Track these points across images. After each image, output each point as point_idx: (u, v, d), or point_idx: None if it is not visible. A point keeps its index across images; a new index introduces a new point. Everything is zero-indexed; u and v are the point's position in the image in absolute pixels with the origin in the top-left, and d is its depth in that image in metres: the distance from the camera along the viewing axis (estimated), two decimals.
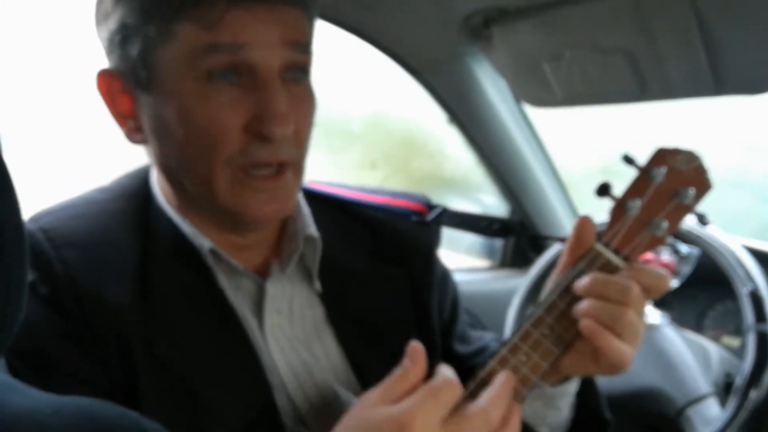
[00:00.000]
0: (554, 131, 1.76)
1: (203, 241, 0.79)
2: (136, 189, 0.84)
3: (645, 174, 0.76)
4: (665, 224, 0.75)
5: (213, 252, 0.79)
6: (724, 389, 1.26)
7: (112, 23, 0.73)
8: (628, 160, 0.78)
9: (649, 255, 1.37)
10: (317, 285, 0.85)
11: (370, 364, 0.85)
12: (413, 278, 0.92)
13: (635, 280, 0.71)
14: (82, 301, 0.72)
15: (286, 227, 0.86)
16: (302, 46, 0.76)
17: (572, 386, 0.81)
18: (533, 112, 1.63)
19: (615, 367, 0.73)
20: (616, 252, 0.74)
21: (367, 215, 0.94)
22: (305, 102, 0.78)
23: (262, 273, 0.84)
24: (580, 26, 1.19)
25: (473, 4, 1.26)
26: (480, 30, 1.30)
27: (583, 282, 0.72)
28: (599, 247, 0.75)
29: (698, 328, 1.52)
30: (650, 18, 1.09)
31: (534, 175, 1.69)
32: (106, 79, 0.77)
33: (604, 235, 0.76)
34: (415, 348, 0.67)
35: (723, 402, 1.24)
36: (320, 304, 0.86)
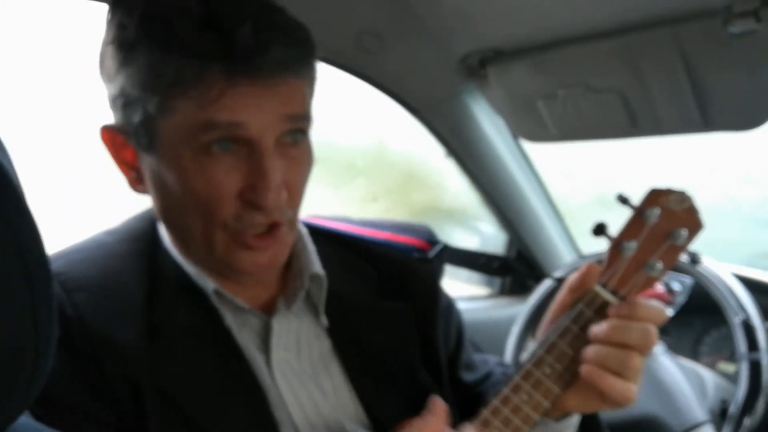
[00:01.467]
0: (552, 164, 1.80)
1: (207, 283, 0.80)
2: (143, 231, 0.85)
3: (639, 215, 0.79)
4: (660, 265, 0.76)
5: (217, 292, 0.80)
6: (720, 416, 1.28)
7: (114, 88, 0.75)
8: (623, 200, 0.80)
9: (652, 289, 1.41)
10: (324, 320, 0.86)
11: (377, 398, 0.85)
12: (418, 312, 0.93)
13: (635, 316, 0.74)
14: (93, 343, 0.73)
15: (291, 264, 0.87)
16: (301, 116, 0.77)
17: (575, 419, 0.83)
18: (530, 145, 1.67)
19: (620, 404, 0.75)
20: (614, 293, 0.76)
21: (371, 251, 0.95)
22: (301, 163, 0.79)
23: (268, 309, 0.85)
24: (573, 67, 1.23)
25: (469, 45, 1.31)
26: (476, 70, 1.35)
27: (599, 328, 0.74)
28: (597, 288, 0.77)
29: (694, 354, 1.54)
30: (640, 60, 1.14)
31: (531, 206, 1.72)
32: (109, 133, 0.79)
33: (601, 275, 0.78)
34: (435, 402, 0.72)
35: (719, 429, 1.26)
36: (327, 338, 0.87)
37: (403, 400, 0.86)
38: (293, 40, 0.74)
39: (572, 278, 0.81)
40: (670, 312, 1.41)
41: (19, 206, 0.42)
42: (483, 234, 1.97)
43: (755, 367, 1.22)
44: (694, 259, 0.79)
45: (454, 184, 1.80)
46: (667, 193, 0.79)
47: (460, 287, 1.99)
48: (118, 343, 0.73)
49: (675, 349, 1.49)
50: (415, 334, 0.92)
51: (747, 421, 1.19)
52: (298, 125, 0.76)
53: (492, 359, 1.07)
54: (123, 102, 0.74)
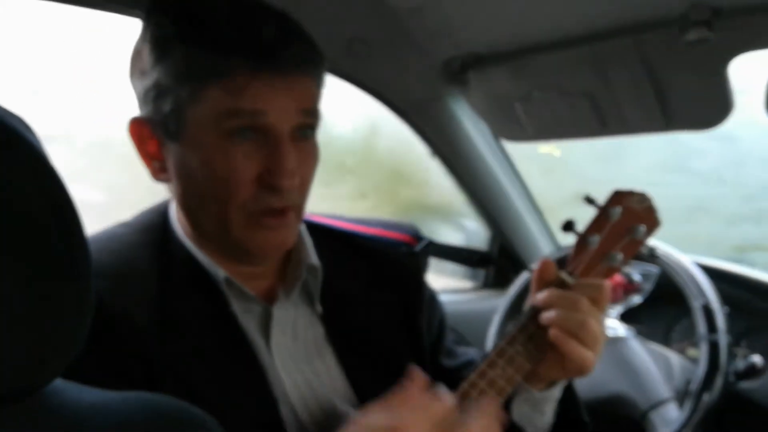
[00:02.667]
0: (534, 163, 1.88)
1: (218, 271, 0.85)
2: (155, 223, 0.90)
3: (603, 213, 0.87)
4: (620, 256, 0.85)
5: (227, 280, 0.85)
6: (684, 394, 1.38)
7: (148, 81, 0.80)
8: (589, 200, 0.88)
9: (617, 277, 1.50)
10: (318, 308, 0.92)
11: (366, 379, 0.91)
12: (404, 303, 0.98)
13: (581, 293, 0.82)
14: (112, 327, 0.76)
15: (290, 257, 0.92)
16: (312, 112, 0.84)
17: (556, 392, 0.90)
18: (512, 146, 1.75)
19: (579, 371, 0.83)
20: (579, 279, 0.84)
21: (362, 246, 1.00)
22: (310, 156, 0.85)
23: (269, 298, 0.90)
24: (547, 72, 1.32)
25: (451, 51, 1.39)
26: (458, 74, 1.44)
27: (540, 296, 0.83)
28: (564, 275, 0.85)
29: (666, 340, 1.62)
30: (606, 65, 1.23)
31: (512, 203, 1.81)
32: (137, 125, 0.84)
33: (568, 264, 0.86)
34: (414, 369, 0.78)
35: (681, 405, 1.36)
36: (321, 324, 0.92)
37: (388, 382, 0.89)
38: (309, 43, 0.82)
39: (534, 275, 0.88)
40: (638, 299, 1.51)
41: (60, 184, 0.49)
42: (467, 229, 2.04)
43: (714, 348, 1.31)
44: (652, 253, 0.88)
45: (438, 182, 1.87)
46: (629, 194, 0.87)
47: (446, 281, 2.06)
48: (134, 327, 0.78)
49: (647, 335, 1.57)
50: (401, 323, 0.98)
51: (706, 397, 1.28)
52: (309, 120, 0.83)
53: (473, 350, 1.13)
54: (155, 93, 0.80)
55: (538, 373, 0.86)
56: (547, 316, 0.82)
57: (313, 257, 0.92)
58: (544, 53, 1.28)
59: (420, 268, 1.05)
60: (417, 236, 1.06)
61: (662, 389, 1.38)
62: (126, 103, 0.89)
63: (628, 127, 1.34)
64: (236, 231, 0.83)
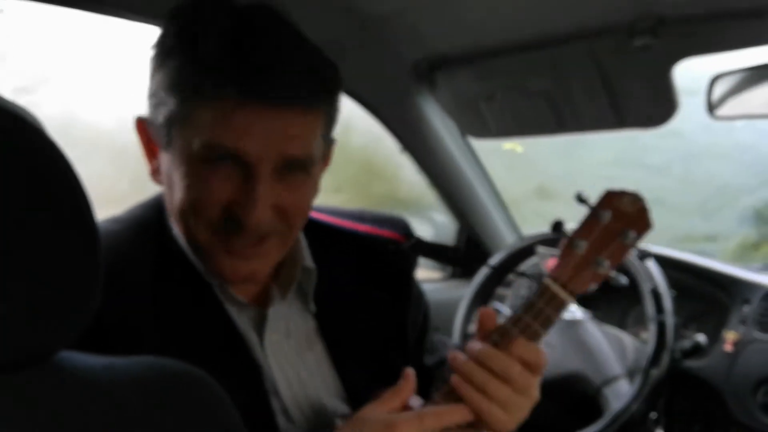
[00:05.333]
0: (498, 159, 1.97)
1: (211, 278, 0.84)
2: (150, 219, 0.88)
3: (593, 215, 0.83)
4: (607, 263, 0.82)
5: (220, 287, 0.85)
6: (636, 372, 1.48)
7: (151, 86, 0.80)
8: (581, 200, 0.85)
9: None
10: (312, 306, 0.91)
11: (355, 373, 0.92)
12: (393, 301, 0.98)
13: (517, 355, 0.78)
14: (108, 324, 0.73)
15: (286, 257, 0.89)
16: (298, 161, 0.78)
17: None
18: (478, 142, 1.84)
19: (491, 425, 0.79)
20: (564, 286, 0.81)
21: (354, 243, 1.00)
22: (299, 191, 0.80)
23: (264, 298, 0.89)
24: (508, 73, 1.41)
25: (419, 52, 1.48)
26: (426, 74, 1.53)
27: (476, 346, 0.80)
28: (548, 281, 0.82)
29: (621, 325, 1.71)
30: (563, 68, 1.33)
31: (478, 196, 1.89)
32: (141, 125, 0.84)
33: (553, 270, 0.83)
34: (408, 372, 0.80)
35: (631, 381, 1.46)
36: (313, 320, 0.92)
37: (375, 377, 0.90)
38: (311, 72, 0.76)
39: (477, 323, 0.85)
40: (593, 285, 1.61)
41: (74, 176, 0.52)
42: (436, 222, 2.12)
43: (661, 327, 1.41)
44: (642, 255, 0.90)
45: (409, 177, 1.93)
46: (621, 194, 0.83)
47: (417, 271, 2.13)
48: (130, 325, 0.78)
49: (604, 319, 1.67)
50: (390, 320, 0.98)
51: (654, 372, 1.38)
52: (298, 158, 0.78)
53: (449, 342, 1.17)
54: (154, 101, 0.79)
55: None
56: (460, 365, 0.80)
57: (308, 259, 0.91)
58: (506, 56, 1.38)
59: (409, 267, 1.05)
60: (407, 234, 1.07)
61: (615, 366, 1.48)
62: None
63: (583, 125, 1.44)
64: (206, 251, 0.81)
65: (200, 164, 0.76)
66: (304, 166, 0.79)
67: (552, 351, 1.54)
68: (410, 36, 1.40)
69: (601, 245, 0.82)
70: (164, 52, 0.77)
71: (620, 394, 1.43)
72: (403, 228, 1.08)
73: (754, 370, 1.39)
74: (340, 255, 0.97)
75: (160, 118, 0.78)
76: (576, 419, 1.46)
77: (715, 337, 1.48)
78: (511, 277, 1.77)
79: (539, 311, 0.81)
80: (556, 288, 0.82)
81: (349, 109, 1.67)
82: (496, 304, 1.73)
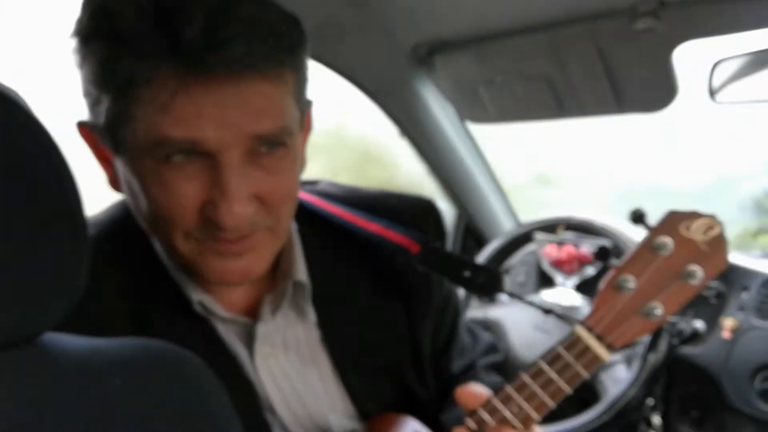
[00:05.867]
0: (498, 146, 1.96)
1: (192, 294, 0.77)
2: (129, 222, 0.77)
3: (649, 243, 0.67)
4: (660, 311, 0.66)
5: (201, 304, 0.77)
6: (633, 358, 1.48)
7: (82, 85, 0.69)
8: (637, 218, 0.69)
9: (570, 248, 1.60)
10: (312, 316, 0.84)
11: (365, 390, 0.85)
12: (410, 311, 0.89)
13: None
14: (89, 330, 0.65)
15: (278, 264, 0.82)
16: (273, 134, 0.67)
17: None
18: (478, 128, 1.83)
19: None
20: (600, 338, 0.68)
21: (364, 244, 0.88)
22: (280, 173, 0.70)
23: (254, 309, 0.82)
24: (508, 57, 1.40)
25: (419, 36, 1.46)
26: (425, 58, 1.51)
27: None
28: (580, 330, 0.68)
29: None
30: (563, 51, 1.32)
31: (476, 182, 1.88)
32: (86, 130, 0.73)
33: (588, 318, 0.69)
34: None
35: (629, 365, 1.46)
36: (316, 329, 0.84)
37: (389, 394, 0.86)
38: (263, 34, 0.63)
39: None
40: (592, 271, 1.61)
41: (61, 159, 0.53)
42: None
43: None
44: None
45: (407, 163, 1.93)
46: (690, 217, 0.66)
47: None
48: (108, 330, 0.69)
49: None
50: (406, 332, 0.89)
51: (651, 357, 1.38)
52: (267, 135, 0.67)
53: (483, 339, 1.07)
54: (89, 101, 0.68)
55: None
56: None
57: (300, 272, 0.82)
58: (506, 39, 1.36)
59: (428, 275, 0.90)
60: (421, 241, 0.88)
61: None
62: None
63: (583, 109, 1.43)
64: (190, 258, 0.71)
65: (158, 166, 0.66)
66: (281, 141, 0.68)
67: (551, 337, 1.54)
68: (409, 19, 1.38)
69: (656, 286, 0.66)
70: (83, 41, 0.65)
71: (617, 379, 1.43)
72: (420, 229, 0.89)
73: (752, 357, 1.39)
74: (350, 258, 0.88)
75: (101, 119, 0.67)
76: (572, 404, 1.46)
77: (713, 324, 1.48)
78: (509, 263, 1.77)
79: (565, 366, 0.68)
80: (590, 340, 0.67)
81: (347, 93, 1.66)
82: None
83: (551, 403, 0.70)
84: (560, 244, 1.62)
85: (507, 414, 0.70)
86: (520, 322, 1.61)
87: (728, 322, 1.44)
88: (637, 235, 1.57)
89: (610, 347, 0.68)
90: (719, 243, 0.65)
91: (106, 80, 0.64)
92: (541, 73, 1.38)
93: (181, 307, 0.78)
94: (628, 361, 1.45)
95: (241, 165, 0.66)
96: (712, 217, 0.65)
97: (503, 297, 1.71)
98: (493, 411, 0.71)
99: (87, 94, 0.68)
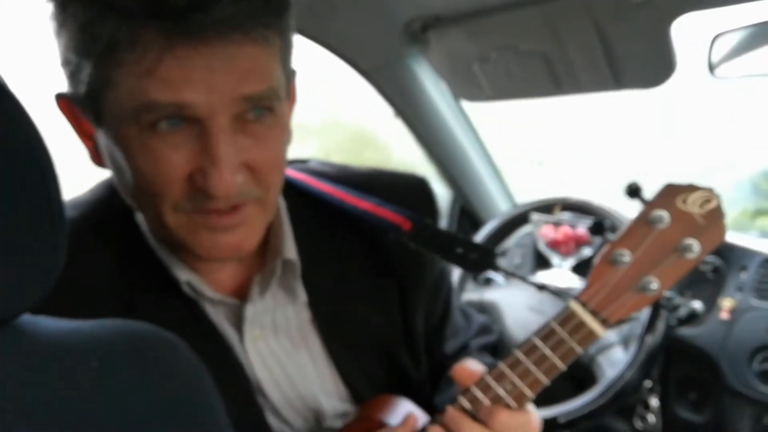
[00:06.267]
0: (494, 126, 1.94)
1: (179, 274, 0.76)
2: (113, 203, 0.77)
3: (645, 216, 0.67)
4: (656, 285, 0.66)
5: (189, 284, 0.76)
6: (630, 339, 1.46)
7: (60, 53, 0.67)
8: (633, 191, 0.69)
9: (566, 229, 1.58)
10: (302, 296, 0.82)
11: (357, 370, 0.84)
12: (403, 290, 0.88)
13: (489, 424, 0.69)
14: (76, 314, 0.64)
15: (267, 243, 0.81)
16: (260, 97, 0.66)
17: None
18: (473, 109, 1.80)
19: None
20: (594, 313, 0.68)
21: (357, 223, 0.86)
22: (268, 141, 0.69)
23: (243, 290, 0.80)
24: (503, 32, 1.37)
25: (411, 11, 1.43)
26: (419, 35, 1.48)
27: (449, 412, 0.71)
28: (575, 306, 0.68)
29: None
30: (559, 26, 1.29)
31: (471, 162, 1.85)
32: (65, 103, 0.71)
33: (582, 293, 0.68)
34: (409, 418, 0.76)
35: (626, 348, 1.44)
36: (306, 310, 0.83)
37: (381, 376, 0.86)
38: None
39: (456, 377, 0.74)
40: (588, 252, 1.59)
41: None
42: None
43: None
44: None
45: (402, 144, 1.91)
46: (687, 189, 0.65)
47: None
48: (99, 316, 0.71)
49: None
50: (398, 311, 0.88)
51: (649, 339, 1.36)
52: (256, 99, 0.66)
53: (477, 320, 1.06)
54: (68, 71, 0.67)
55: None
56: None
57: (289, 250, 0.81)
58: (500, 14, 1.33)
59: (421, 253, 0.88)
60: (414, 219, 0.86)
61: (609, 334, 1.46)
62: None
63: (580, 86, 1.40)
64: (179, 233, 0.70)
65: (143, 135, 0.65)
66: (269, 105, 0.67)
67: (545, 318, 1.52)
68: None
69: (652, 260, 0.65)
70: (62, 5, 0.64)
71: (615, 361, 1.41)
72: (412, 207, 0.87)
73: (750, 337, 1.37)
74: (342, 236, 0.87)
75: (81, 88, 0.66)
76: (570, 387, 1.45)
77: (711, 305, 1.46)
78: (505, 245, 1.75)
79: (560, 342, 0.68)
80: (584, 315, 0.67)
81: (340, 72, 1.63)
82: (490, 274, 1.71)
83: (545, 380, 0.70)
84: (557, 224, 1.60)
85: (500, 392, 0.69)
86: (516, 305, 1.59)
87: (726, 303, 1.42)
88: (634, 214, 1.55)
89: (605, 323, 0.67)
90: (717, 216, 0.64)
91: (87, 45, 0.63)
92: (536, 49, 1.35)
93: (169, 288, 0.77)
94: (625, 343, 1.43)
95: (229, 132, 0.65)
96: (709, 189, 0.64)
97: (499, 279, 1.69)
98: (486, 389, 0.70)
99: (66, 62, 0.66)
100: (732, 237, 1.54)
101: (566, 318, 0.68)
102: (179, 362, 0.59)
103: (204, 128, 0.64)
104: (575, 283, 1.59)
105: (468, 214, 2.00)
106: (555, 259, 1.62)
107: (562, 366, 0.69)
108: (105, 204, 0.79)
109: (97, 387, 0.53)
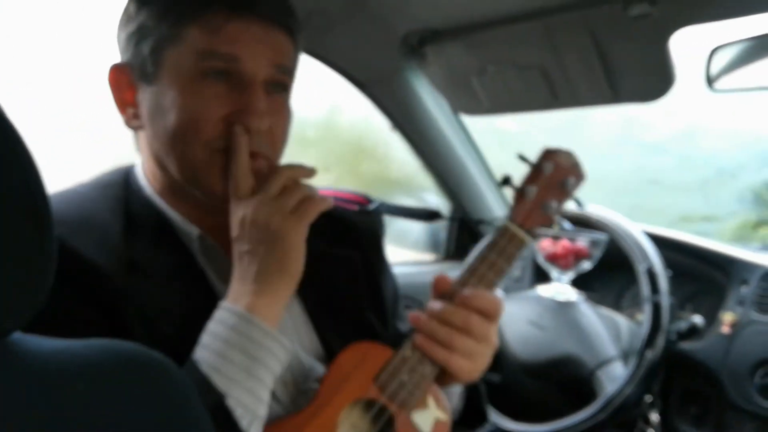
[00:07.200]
0: (492, 137, 1.94)
1: (191, 229, 0.89)
2: (115, 181, 0.92)
3: (538, 167, 0.96)
4: (555, 204, 0.95)
5: (200, 238, 0.88)
6: (630, 354, 1.45)
7: (132, 26, 0.85)
8: (523, 158, 0.98)
9: (565, 242, 1.57)
10: None
11: (332, 331, 0.94)
12: (365, 260, 1.02)
13: (472, 305, 0.85)
14: (79, 268, 0.77)
15: None
16: (286, 69, 0.88)
17: (455, 389, 0.97)
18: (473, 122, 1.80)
19: (456, 377, 0.87)
20: (521, 226, 0.93)
21: None
22: (282, 111, 0.89)
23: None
24: (501, 46, 1.36)
25: (409, 25, 1.42)
26: (416, 48, 1.46)
27: (436, 305, 0.86)
28: (508, 223, 0.94)
29: (617, 306, 1.70)
30: (556, 40, 1.28)
31: (470, 175, 1.85)
32: (115, 72, 0.88)
33: (511, 214, 0.95)
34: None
35: (626, 363, 1.43)
36: None
37: (353, 335, 0.93)
38: (287, 3, 0.88)
39: (432, 287, 0.91)
40: (588, 265, 1.58)
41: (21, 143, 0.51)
42: (428, 203, 2.07)
43: (656, 308, 1.39)
44: (579, 203, 1.00)
45: (400, 157, 1.90)
46: (557, 151, 0.97)
47: (409, 253, 2.11)
48: (102, 271, 0.79)
49: (599, 301, 1.65)
50: (363, 278, 1.02)
51: (649, 354, 1.35)
52: (282, 77, 0.87)
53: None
54: (138, 37, 0.85)
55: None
56: (424, 326, 0.86)
57: None
58: (498, 28, 1.32)
59: (377, 227, 1.09)
60: (368, 198, 1.11)
61: (609, 349, 1.45)
62: None
63: (578, 100, 1.39)
64: (200, 171, 0.85)
65: (194, 82, 0.82)
66: (286, 80, 0.89)
67: (546, 333, 1.51)
68: (399, 7, 1.35)
69: (548, 191, 0.95)
70: None
71: (615, 376, 1.40)
72: (363, 194, 1.12)
73: (751, 352, 1.36)
74: None
75: (146, 50, 0.84)
76: (570, 402, 1.44)
77: (711, 319, 1.45)
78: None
79: (502, 249, 0.92)
80: (515, 228, 0.93)
81: (337, 86, 1.63)
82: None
83: (497, 280, 0.91)
84: (556, 238, 1.59)
85: (405, 357, 0.87)
86: (515, 319, 1.59)
87: (727, 317, 1.41)
88: (634, 227, 1.55)
89: (529, 232, 0.94)
90: (577, 164, 0.97)
91: (167, 12, 0.83)
92: (534, 62, 1.34)
93: (172, 243, 0.88)
94: (625, 358, 1.42)
95: (263, 92, 0.84)
96: (569, 150, 0.97)
97: (498, 292, 1.68)
98: (461, 284, 0.90)
99: (138, 31, 0.85)
100: (732, 250, 1.54)
101: (503, 232, 0.93)
102: (168, 383, 0.58)
103: (244, 82, 0.83)
104: (574, 296, 1.58)
105: (467, 227, 1.99)
106: (554, 272, 1.62)
107: (507, 267, 0.91)
108: (110, 180, 0.92)
109: (85, 408, 0.53)
